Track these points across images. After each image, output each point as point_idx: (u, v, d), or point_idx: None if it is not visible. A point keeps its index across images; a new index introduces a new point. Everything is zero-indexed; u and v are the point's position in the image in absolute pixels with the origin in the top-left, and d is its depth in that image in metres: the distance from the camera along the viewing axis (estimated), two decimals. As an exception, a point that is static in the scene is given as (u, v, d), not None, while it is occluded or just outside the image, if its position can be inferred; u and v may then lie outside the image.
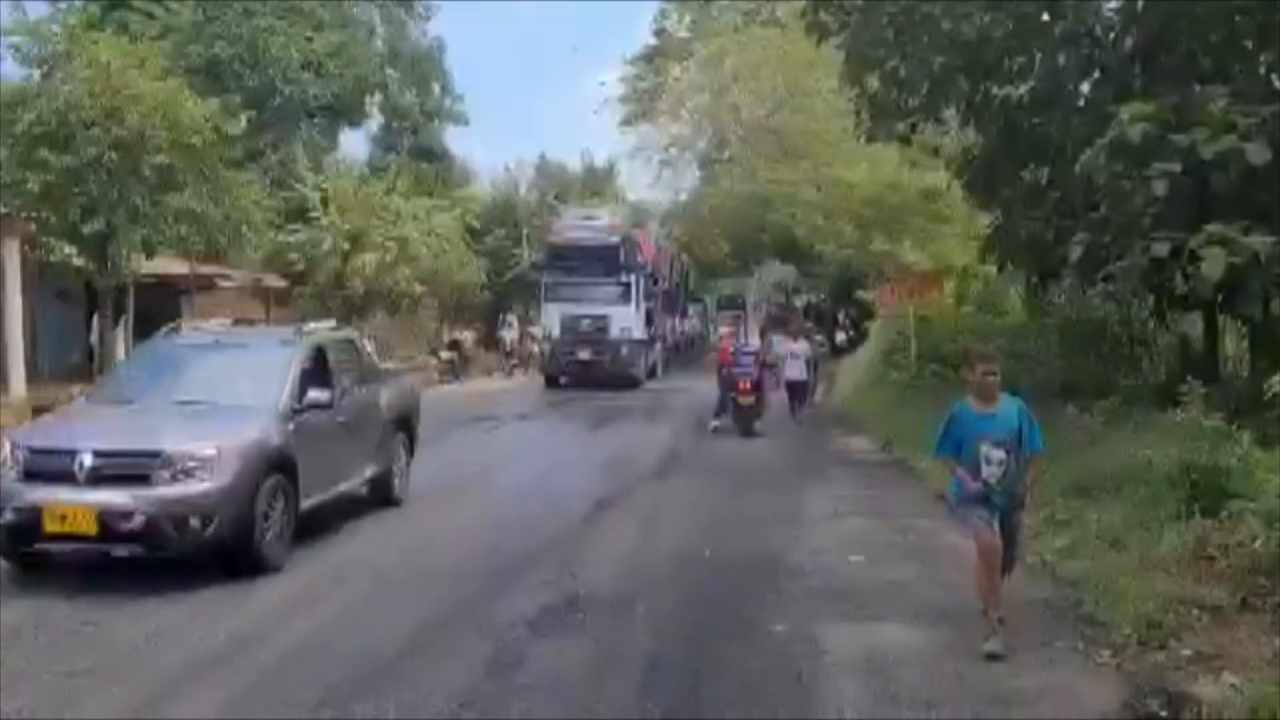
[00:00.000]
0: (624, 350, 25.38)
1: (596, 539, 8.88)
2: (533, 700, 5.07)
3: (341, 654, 5.68)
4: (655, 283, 29.21)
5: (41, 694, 5.10)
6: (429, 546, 8.60)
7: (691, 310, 40.17)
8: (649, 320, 27.41)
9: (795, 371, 18.29)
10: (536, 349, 29.20)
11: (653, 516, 9.86)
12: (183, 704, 5.02)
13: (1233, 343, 13.87)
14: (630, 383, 24.96)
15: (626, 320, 25.61)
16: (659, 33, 40.64)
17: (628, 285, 26.01)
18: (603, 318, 25.43)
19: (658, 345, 29.09)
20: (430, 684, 5.22)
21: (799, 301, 44.86)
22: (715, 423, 16.71)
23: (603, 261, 25.93)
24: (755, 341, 19.53)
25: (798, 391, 18.26)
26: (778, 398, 17.91)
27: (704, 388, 20.87)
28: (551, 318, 26.09)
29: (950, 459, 6.01)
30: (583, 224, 27.38)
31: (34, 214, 17.62)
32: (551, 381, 25.87)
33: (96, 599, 6.63)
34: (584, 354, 25.18)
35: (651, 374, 27.53)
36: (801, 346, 18.73)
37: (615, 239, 26.34)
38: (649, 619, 6.40)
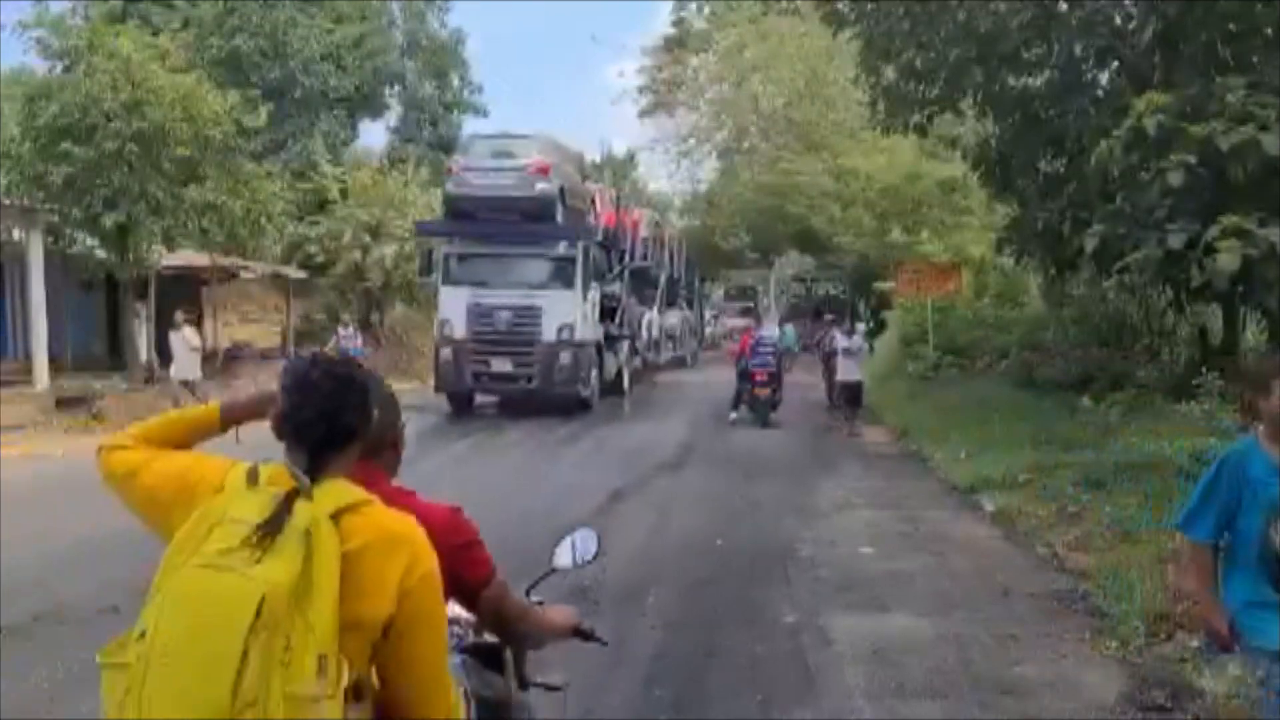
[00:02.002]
0: (562, 358, 17.24)
1: (611, 527, 8.94)
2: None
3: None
4: (621, 258, 21.48)
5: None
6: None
7: (682, 299, 31.39)
8: (609, 312, 19.87)
9: (850, 371, 15.63)
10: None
11: (666, 506, 9.93)
12: None
13: (1254, 334, 13.80)
14: (573, 405, 17.51)
15: (567, 312, 17.39)
16: (677, 23, 40.63)
17: (569, 260, 17.71)
18: (530, 309, 17.33)
19: (625, 347, 21.21)
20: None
21: (821, 291, 44.87)
22: (734, 414, 16.84)
23: (529, 223, 17.70)
24: (774, 331, 19.23)
25: (851, 394, 15.60)
26: (796, 394, 17.75)
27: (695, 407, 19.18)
28: (453, 308, 17.76)
29: (1207, 548, 3.33)
30: (494, 166, 17.86)
31: (56, 206, 17.86)
32: (459, 403, 18.20)
33: None
34: (500, 364, 17.31)
35: (614, 388, 20.24)
36: (857, 342, 16.03)
37: (545, 187, 17.54)
38: (659, 608, 6.46)
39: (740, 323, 29.49)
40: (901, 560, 7.65)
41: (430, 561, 1.84)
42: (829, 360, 17.99)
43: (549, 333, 17.23)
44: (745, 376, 16.56)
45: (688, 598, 6.72)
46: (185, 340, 16.69)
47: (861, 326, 18.75)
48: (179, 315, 17.07)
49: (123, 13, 26.99)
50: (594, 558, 2.95)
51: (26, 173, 17.78)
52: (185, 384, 16.45)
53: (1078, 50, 11.89)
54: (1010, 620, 6.10)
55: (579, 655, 5.51)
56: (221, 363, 22.90)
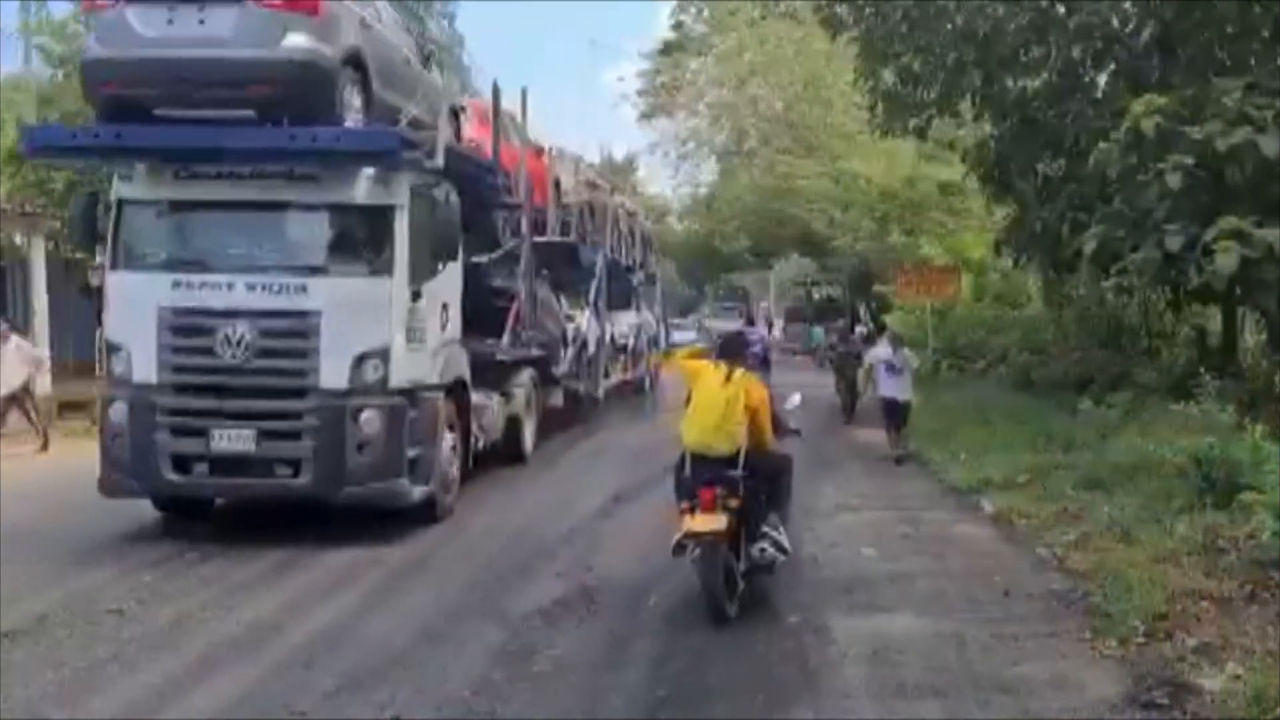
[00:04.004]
0: (364, 423, 7.93)
1: (612, 523, 8.93)
2: (546, 686, 5.16)
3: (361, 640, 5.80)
4: (518, 227, 12.07)
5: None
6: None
7: (639, 298, 21.47)
8: (489, 316, 11.00)
9: (892, 388, 12.83)
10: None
11: (666, 504, 9.91)
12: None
13: (1253, 335, 13.84)
14: (384, 508, 8.22)
15: (374, 324, 8.05)
16: (676, 26, 40.65)
17: (379, 212, 8.19)
18: (292, 319, 8.00)
19: (526, 378, 12.18)
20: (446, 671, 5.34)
21: (822, 294, 44.94)
22: None
23: (275, 125, 8.08)
24: (761, 332, 19.45)
25: (894, 416, 12.88)
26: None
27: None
28: (131, 318, 8.26)
29: None
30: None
31: (58, 211, 17.87)
32: (167, 505, 8.68)
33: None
34: (230, 436, 7.94)
35: (508, 447, 11.50)
36: (902, 357, 12.86)
37: (307, 44, 7.83)
38: (660, 609, 6.47)
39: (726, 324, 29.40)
40: (902, 561, 7.66)
41: (765, 394, 6.64)
42: (843, 370, 16.85)
43: (335, 369, 8.02)
44: None
45: (688, 599, 6.71)
46: (20, 352, 14.21)
47: (860, 329, 18.77)
48: (3, 325, 14.33)
49: (123, 18, 27.05)
50: (800, 403, 7.67)
51: (29, 178, 17.81)
52: (12, 399, 13.95)
53: (1075, 53, 11.94)
54: (1010, 620, 6.12)
55: (581, 651, 5.56)
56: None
